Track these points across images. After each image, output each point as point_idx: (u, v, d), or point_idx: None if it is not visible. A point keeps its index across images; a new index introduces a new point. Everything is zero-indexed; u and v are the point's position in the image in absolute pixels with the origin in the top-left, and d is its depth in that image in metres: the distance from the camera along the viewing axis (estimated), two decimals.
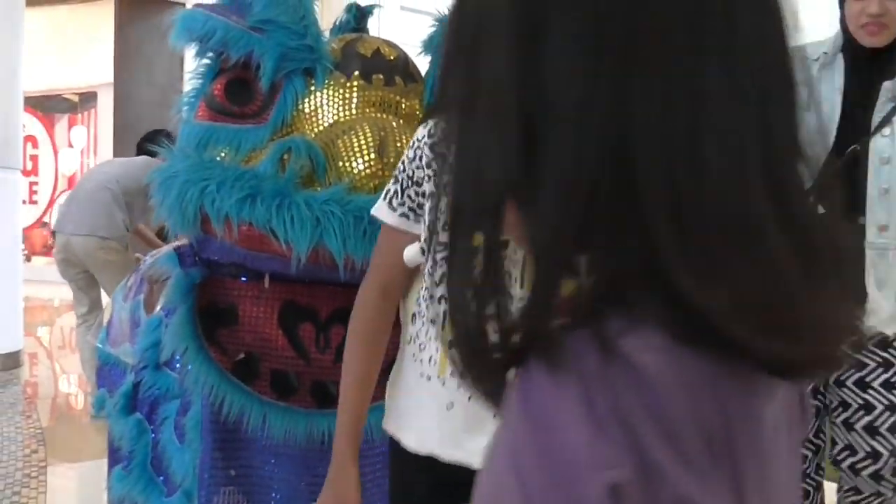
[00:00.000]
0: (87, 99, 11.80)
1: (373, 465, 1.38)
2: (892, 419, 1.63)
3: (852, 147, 1.60)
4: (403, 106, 1.44)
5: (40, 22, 8.02)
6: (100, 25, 7.94)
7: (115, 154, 6.86)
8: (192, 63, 1.53)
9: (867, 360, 1.63)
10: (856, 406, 1.65)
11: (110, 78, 7.42)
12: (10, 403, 4.05)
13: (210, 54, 1.50)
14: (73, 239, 3.77)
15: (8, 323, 4.88)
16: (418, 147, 1.00)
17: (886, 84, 1.67)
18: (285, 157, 1.29)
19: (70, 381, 5.17)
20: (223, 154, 1.38)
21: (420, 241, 0.97)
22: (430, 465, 0.97)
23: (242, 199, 1.24)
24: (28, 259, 8.71)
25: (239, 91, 1.43)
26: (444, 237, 0.50)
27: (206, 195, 1.27)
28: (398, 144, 1.28)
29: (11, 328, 4.92)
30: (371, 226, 1.21)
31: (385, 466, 1.17)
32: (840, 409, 1.68)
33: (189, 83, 1.54)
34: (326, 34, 1.49)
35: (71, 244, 3.77)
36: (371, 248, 1.22)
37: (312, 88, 1.41)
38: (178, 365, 1.49)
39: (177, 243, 1.53)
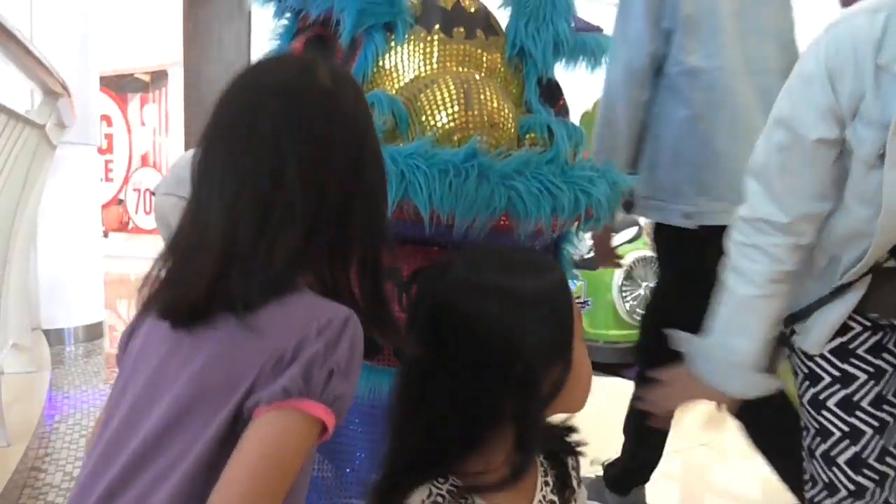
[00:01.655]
0: (158, 78, 12.05)
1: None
2: None
3: None
4: (485, 59, 1.41)
5: (111, 4, 8.18)
6: (169, 5, 8.05)
7: (186, 132, 6.98)
8: (260, 39, 1.53)
9: None
10: None
11: (180, 57, 7.52)
12: (94, 372, 4.18)
13: (288, 14, 1.50)
14: (160, 199, 4.08)
15: (90, 296, 5.04)
16: None
17: None
18: None
19: None
20: None
21: None
22: None
23: None
24: (105, 235, 8.92)
25: (318, 49, 1.42)
26: None
27: None
28: (482, 97, 1.26)
29: (93, 300, 5.07)
30: (456, 178, 1.19)
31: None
32: None
33: (268, 44, 1.54)
34: None
35: (159, 204, 4.09)
36: (457, 202, 1.20)
37: (392, 44, 1.39)
38: None
39: None
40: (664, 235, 2.05)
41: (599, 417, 1.82)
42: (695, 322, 1.43)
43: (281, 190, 0.87)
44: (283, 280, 0.88)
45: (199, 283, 0.87)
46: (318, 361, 0.83)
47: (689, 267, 1.84)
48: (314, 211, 0.89)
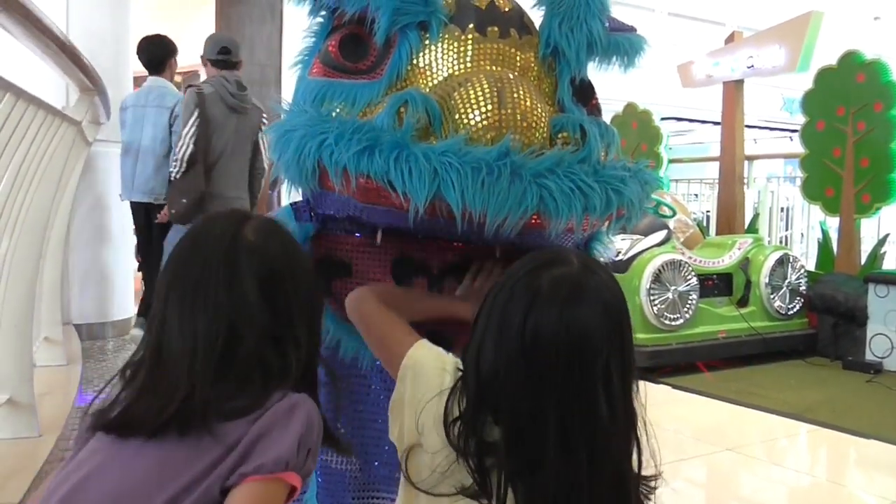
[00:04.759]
0: (191, 78, 12.20)
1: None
2: None
3: None
4: (518, 58, 1.42)
5: (145, 5, 8.27)
6: (201, 6, 8.13)
7: None
8: (292, 40, 1.55)
9: None
10: None
11: None
12: None
13: (323, 12, 1.51)
14: None
15: (120, 292, 5.10)
16: None
17: None
18: (402, 109, 1.28)
19: None
20: (339, 109, 1.39)
21: None
22: None
23: (360, 151, 1.24)
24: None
25: (353, 47, 1.44)
26: None
27: (325, 148, 1.27)
28: (515, 96, 1.26)
29: (124, 297, 5.14)
30: (489, 176, 1.20)
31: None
32: None
33: (303, 42, 1.55)
34: None
35: None
36: (489, 199, 1.21)
37: (427, 42, 1.40)
38: None
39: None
40: None
41: None
42: None
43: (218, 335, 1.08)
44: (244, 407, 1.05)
45: (171, 402, 1.04)
46: (304, 441, 1.03)
47: None
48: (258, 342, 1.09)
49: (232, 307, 1.08)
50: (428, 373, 1.14)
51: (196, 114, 3.92)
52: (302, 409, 1.06)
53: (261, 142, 4.21)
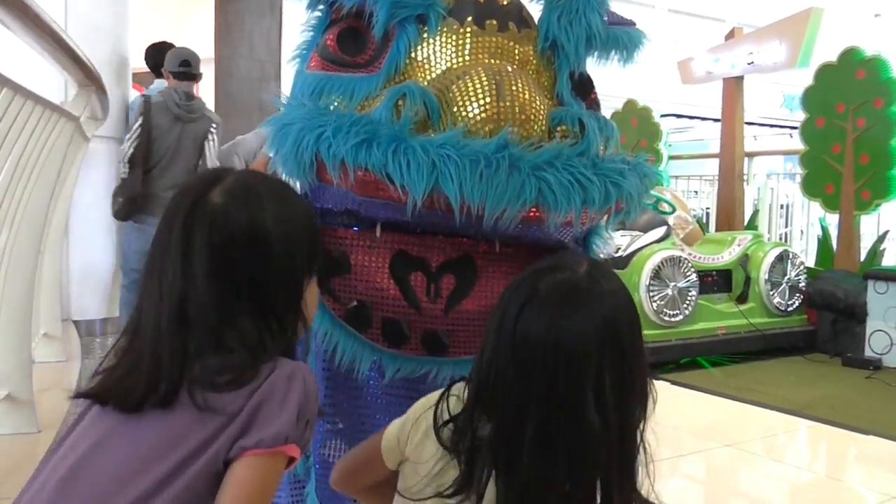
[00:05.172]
0: None
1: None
2: None
3: None
4: (517, 52, 1.42)
5: (145, 3, 8.26)
6: (201, 3, 8.12)
7: None
8: (291, 35, 1.54)
9: None
10: None
11: (211, 53, 7.56)
12: None
13: (321, 6, 1.51)
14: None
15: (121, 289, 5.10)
16: None
17: None
18: (400, 102, 1.28)
19: None
20: (337, 103, 1.38)
21: None
22: None
23: (358, 144, 1.24)
24: None
25: (351, 40, 1.44)
26: None
27: (322, 141, 1.27)
28: (514, 88, 1.26)
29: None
30: (487, 169, 1.20)
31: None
32: None
33: (301, 36, 1.55)
34: None
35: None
36: (488, 192, 1.20)
37: (425, 35, 1.40)
38: None
39: None
40: None
41: None
42: None
43: (194, 298, 1.02)
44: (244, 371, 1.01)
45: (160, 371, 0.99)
46: (303, 411, 1.00)
47: None
48: (230, 303, 1.03)
49: (185, 276, 1.01)
50: (404, 430, 1.14)
51: (140, 121, 4.21)
52: (299, 378, 1.02)
53: (206, 148, 4.45)
